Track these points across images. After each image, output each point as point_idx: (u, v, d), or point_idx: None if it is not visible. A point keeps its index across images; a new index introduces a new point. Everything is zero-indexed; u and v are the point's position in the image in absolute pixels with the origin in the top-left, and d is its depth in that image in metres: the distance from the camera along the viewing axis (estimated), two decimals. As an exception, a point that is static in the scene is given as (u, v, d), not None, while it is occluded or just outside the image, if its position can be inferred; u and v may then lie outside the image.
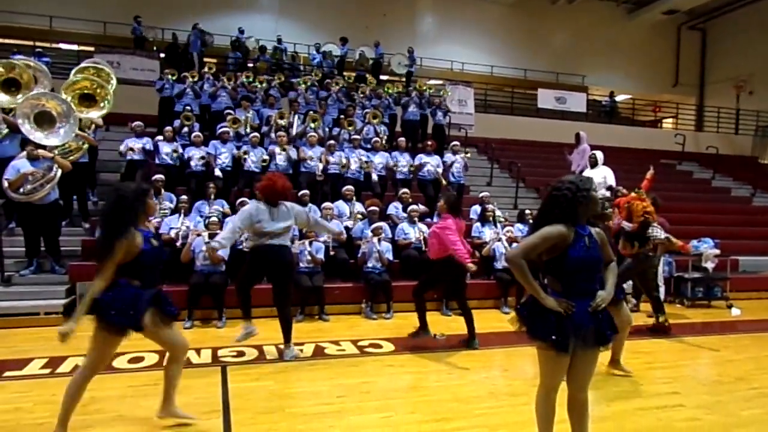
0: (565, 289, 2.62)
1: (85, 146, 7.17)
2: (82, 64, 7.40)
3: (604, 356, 4.20)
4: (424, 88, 11.87)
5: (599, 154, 8.71)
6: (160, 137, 8.39)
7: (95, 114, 6.93)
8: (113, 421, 3.43)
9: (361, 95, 11.27)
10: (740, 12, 19.27)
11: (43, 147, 6.24)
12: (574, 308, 2.56)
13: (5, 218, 7.03)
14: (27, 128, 6.10)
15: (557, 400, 2.75)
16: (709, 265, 8.30)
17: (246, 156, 8.31)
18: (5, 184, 6.13)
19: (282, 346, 4.95)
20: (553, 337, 2.56)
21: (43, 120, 6.17)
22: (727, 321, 7.20)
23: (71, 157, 6.80)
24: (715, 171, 15.03)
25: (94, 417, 3.47)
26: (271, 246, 4.73)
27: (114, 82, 7.21)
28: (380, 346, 5.37)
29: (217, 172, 8.14)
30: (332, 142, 8.95)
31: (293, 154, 8.57)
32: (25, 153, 6.25)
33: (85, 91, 6.74)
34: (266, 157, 8.46)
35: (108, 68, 7.52)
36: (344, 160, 8.68)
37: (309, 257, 6.70)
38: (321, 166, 8.50)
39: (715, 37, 20.99)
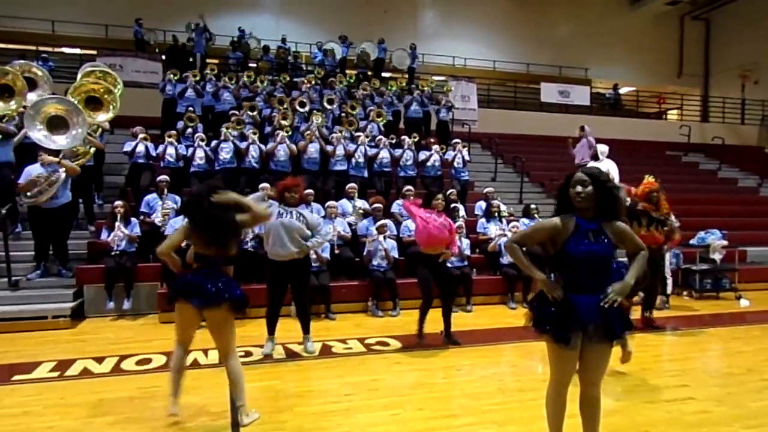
0: (566, 284, 2.60)
1: (92, 150, 7.20)
2: (88, 68, 7.41)
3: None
4: (425, 87, 11.82)
5: (603, 147, 8.65)
6: (169, 141, 8.38)
7: (103, 117, 6.96)
8: (122, 423, 3.43)
9: (363, 92, 11.23)
10: (744, 0, 19.07)
11: (57, 152, 6.31)
12: (561, 298, 2.55)
13: (11, 222, 7.07)
14: (36, 134, 6.13)
15: (569, 395, 2.73)
16: (717, 257, 8.26)
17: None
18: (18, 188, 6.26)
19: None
20: (548, 327, 2.56)
21: (53, 125, 6.22)
22: (735, 312, 7.16)
23: (79, 161, 6.84)
24: (721, 162, 14.92)
25: (103, 419, 3.49)
26: None
27: (120, 86, 7.23)
28: (387, 344, 5.36)
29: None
30: (335, 135, 8.93)
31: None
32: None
33: (92, 94, 6.77)
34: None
35: (114, 73, 7.53)
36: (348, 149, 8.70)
37: (314, 256, 6.68)
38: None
39: (720, 27, 20.78)
